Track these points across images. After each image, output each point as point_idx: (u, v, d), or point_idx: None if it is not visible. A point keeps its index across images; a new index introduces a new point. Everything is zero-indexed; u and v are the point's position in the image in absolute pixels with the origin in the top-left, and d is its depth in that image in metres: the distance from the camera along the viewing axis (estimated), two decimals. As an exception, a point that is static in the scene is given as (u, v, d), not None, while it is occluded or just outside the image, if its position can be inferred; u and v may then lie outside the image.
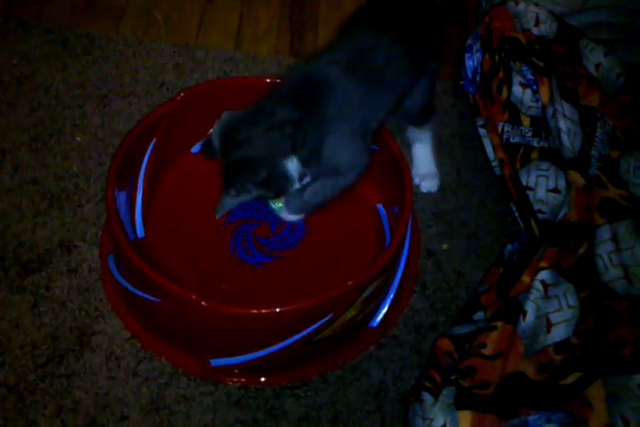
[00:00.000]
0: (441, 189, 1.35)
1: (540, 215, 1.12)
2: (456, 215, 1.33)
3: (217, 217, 1.08)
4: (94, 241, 1.25)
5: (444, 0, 1.70)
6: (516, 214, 1.19)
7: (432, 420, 0.90)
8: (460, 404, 0.89)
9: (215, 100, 1.29)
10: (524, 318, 0.95)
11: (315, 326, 1.04)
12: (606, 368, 0.88)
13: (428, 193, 1.34)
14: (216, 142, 1.03)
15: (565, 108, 1.13)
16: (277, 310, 1.01)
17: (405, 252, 1.18)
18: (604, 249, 1.00)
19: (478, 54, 1.28)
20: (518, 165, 1.18)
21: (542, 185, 1.14)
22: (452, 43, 1.53)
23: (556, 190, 1.13)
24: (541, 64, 1.18)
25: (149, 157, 1.24)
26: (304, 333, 1.04)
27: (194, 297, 1.00)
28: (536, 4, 1.27)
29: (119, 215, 1.12)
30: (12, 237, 1.24)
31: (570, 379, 0.88)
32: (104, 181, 1.31)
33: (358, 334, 1.16)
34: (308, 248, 1.23)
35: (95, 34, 1.54)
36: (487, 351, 0.94)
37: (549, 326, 0.94)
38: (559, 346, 0.92)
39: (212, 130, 1.05)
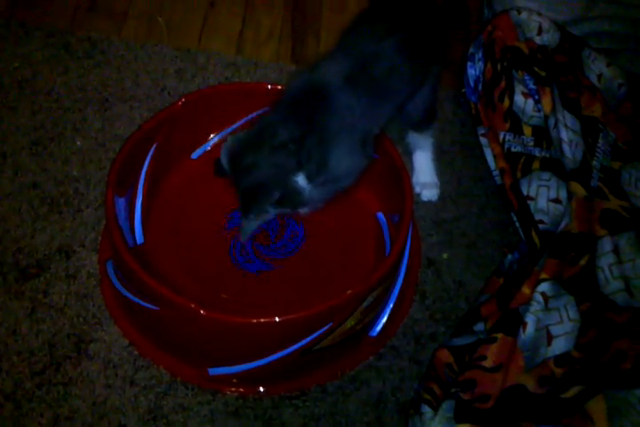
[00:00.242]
0: (441, 197, 1.34)
1: (540, 226, 1.12)
2: (456, 224, 1.32)
3: (243, 241, 1.13)
4: (93, 247, 1.24)
5: (448, 7, 1.70)
6: (517, 224, 1.18)
7: (432, 433, 0.90)
8: (459, 417, 0.88)
9: (216, 106, 1.29)
10: (524, 330, 0.94)
11: (314, 335, 1.03)
12: (607, 382, 0.87)
13: (429, 202, 1.33)
14: (226, 167, 1.04)
15: (567, 118, 1.12)
16: (276, 319, 1.00)
17: (405, 261, 1.18)
18: (605, 261, 0.99)
19: (480, 63, 1.28)
20: (519, 175, 1.18)
21: (543, 195, 1.14)
22: (454, 50, 1.53)
23: (557, 201, 1.13)
24: (543, 74, 1.18)
25: (150, 162, 1.24)
26: (303, 342, 1.04)
27: (193, 306, 1.00)
28: (539, 14, 1.26)
29: (118, 221, 1.12)
30: (10, 242, 1.23)
31: (570, 393, 0.88)
32: (104, 185, 1.30)
33: (357, 344, 1.16)
34: (308, 256, 1.22)
35: (97, 37, 1.53)
36: (487, 364, 0.93)
37: (550, 338, 0.94)
38: (560, 359, 0.92)
39: (221, 148, 1.06)
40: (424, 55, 1.13)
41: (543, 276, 0.98)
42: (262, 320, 1.01)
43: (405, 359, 1.16)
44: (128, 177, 1.19)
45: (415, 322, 1.20)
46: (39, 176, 1.32)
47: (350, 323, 1.06)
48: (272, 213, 1.03)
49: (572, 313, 0.96)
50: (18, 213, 1.26)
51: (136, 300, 1.09)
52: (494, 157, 1.25)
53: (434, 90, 1.22)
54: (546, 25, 1.24)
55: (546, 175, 1.15)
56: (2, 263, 1.21)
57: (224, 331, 1.05)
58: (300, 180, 1.00)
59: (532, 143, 1.19)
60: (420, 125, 1.26)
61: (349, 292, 1.02)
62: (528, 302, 0.96)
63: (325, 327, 1.03)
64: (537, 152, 1.18)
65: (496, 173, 1.25)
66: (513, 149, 1.21)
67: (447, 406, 0.90)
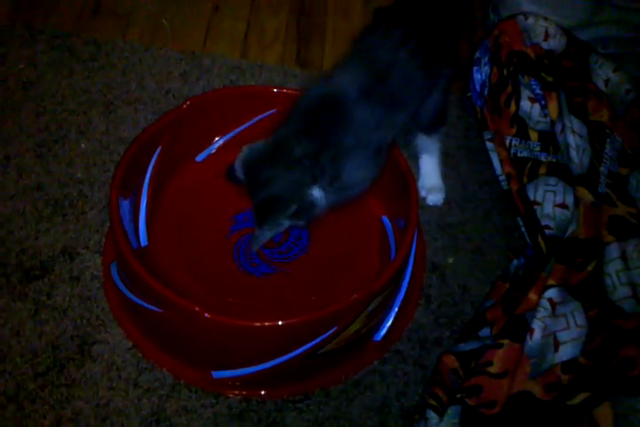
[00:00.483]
0: (446, 201, 1.34)
1: (547, 231, 1.11)
2: (461, 229, 1.32)
3: (254, 250, 1.14)
4: (97, 249, 1.24)
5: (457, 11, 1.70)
6: (523, 229, 1.18)
7: (437, 439, 0.89)
8: (465, 423, 0.88)
9: (221, 109, 1.29)
10: (531, 336, 0.94)
11: (318, 339, 1.03)
12: (614, 389, 0.87)
13: (434, 206, 1.33)
14: (241, 177, 1.05)
15: (574, 123, 1.12)
16: (280, 323, 1.00)
17: (411, 265, 1.17)
18: (613, 267, 0.99)
19: (486, 68, 1.28)
20: (526, 180, 1.18)
21: (550, 200, 1.14)
22: (460, 54, 1.53)
23: (563, 206, 1.12)
24: (550, 79, 1.18)
25: (154, 164, 1.24)
26: (307, 346, 1.03)
27: (197, 309, 0.99)
28: (545, 19, 1.26)
29: (123, 223, 1.11)
30: (14, 244, 1.23)
31: (577, 399, 0.87)
32: (108, 188, 1.30)
33: (362, 349, 1.15)
34: (313, 259, 1.22)
35: (102, 40, 1.53)
36: (493, 370, 0.93)
37: (557, 344, 0.93)
38: (567, 365, 0.91)
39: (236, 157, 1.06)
40: (438, 61, 1.13)
41: (550, 282, 0.97)
42: (266, 324, 1.00)
43: (410, 364, 1.15)
44: (133, 180, 1.19)
45: (420, 326, 1.19)
46: (43, 178, 1.31)
47: (355, 327, 1.06)
48: (286, 224, 1.04)
49: (580, 319, 0.95)
50: (22, 215, 1.26)
51: (140, 302, 1.09)
52: (500, 161, 1.24)
53: (445, 93, 1.22)
54: (552, 30, 1.23)
55: (552, 180, 1.15)
56: (5, 265, 1.20)
57: (228, 334, 1.05)
58: (315, 192, 1.02)
59: (538, 148, 1.19)
60: (430, 128, 1.26)
61: (354, 296, 1.01)
62: (535, 307, 0.96)
63: (330, 332, 1.03)
64: (543, 157, 1.18)
65: (502, 177, 1.25)
66: (519, 154, 1.20)
67: (453, 411, 0.90)
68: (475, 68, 1.30)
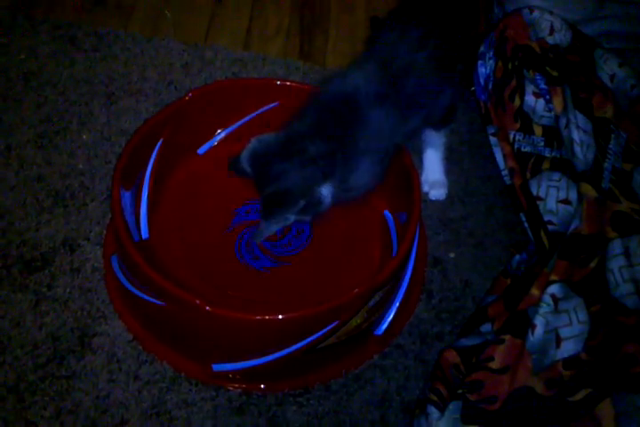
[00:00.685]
0: (449, 196, 1.33)
1: (549, 226, 1.11)
2: (464, 224, 1.32)
3: (257, 242, 1.15)
4: (98, 241, 1.24)
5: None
6: (526, 225, 1.17)
7: (438, 434, 0.89)
8: (466, 419, 0.88)
9: (223, 101, 1.28)
10: (532, 332, 0.93)
11: (319, 333, 1.03)
12: (616, 386, 0.87)
13: (436, 200, 1.33)
14: (247, 170, 1.06)
15: (579, 119, 1.12)
16: (281, 316, 1.00)
17: (412, 260, 1.17)
18: (616, 264, 0.98)
19: (491, 62, 1.27)
20: (529, 175, 1.17)
21: (553, 196, 1.13)
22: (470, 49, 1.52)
23: (566, 201, 1.12)
24: (555, 74, 1.17)
25: (156, 157, 1.23)
26: (308, 340, 1.03)
27: (198, 302, 0.99)
28: (551, 13, 1.25)
29: (124, 215, 1.11)
30: (15, 235, 1.23)
31: (579, 396, 0.87)
32: (109, 179, 1.30)
33: (362, 343, 1.15)
34: (314, 253, 1.22)
35: (103, 31, 1.53)
36: (495, 365, 0.93)
37: (559, 340, 0.93)
38: (568, 362, 0.91)
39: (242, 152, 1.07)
40: (453, 60, 1.13)
41: (553, 277, 0.97)
42: (267, 318, 1.00)
43: (411, 358, 1.15)
44: (134, 172, 1.19)
45: (421, 321, 1.19)
46: (44, 169, 1.31)
47: (356, 321, 1.05)
48: (292, 219, 1.06)
49: (582, 316, 0.95)
50: (23, 206, 1.26)
51: (141, 295, 1.09)
52: (504, 156, 1.24)
53: (456, 89, 1.22)
54: (558, 24, 1.23)
55: (556, 176, 1.14)
56: (6, 256, 1.20)
57: (228, 327, 1.05)
58: (324, 191, 1.03)
59: (542, 143, 1.18)
60: (439, 125, 1.26)
61: (356, 291, 1.01)
62: (537, 303, 0.96)
63: (331, 326, 1.03)
64: (547, 152, 1.18)
65: (505, 172, 1.24)
66: (523, 149, 1.20)
67: (454, 406, 0.89)
68: (479, 62, 1.30)
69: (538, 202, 1.13)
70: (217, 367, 1.09)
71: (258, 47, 1.58)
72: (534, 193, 1.15)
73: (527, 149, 1.19)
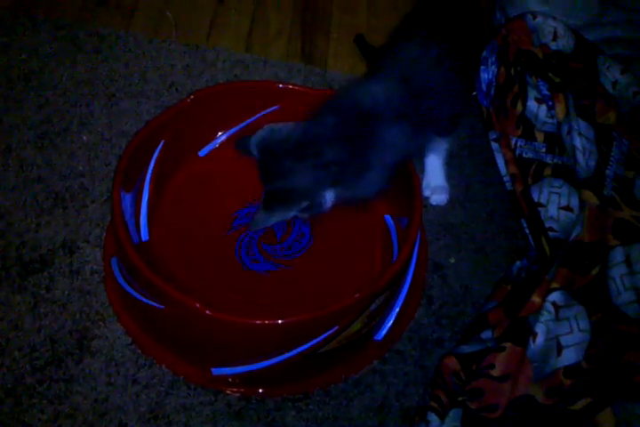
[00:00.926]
0: (450, 201, 1.33)
1: (550, 233, 1.11)
2: (464, 229, 1.31)
3: (251, 230, 1.15)
4: (97, 243, 1.23)
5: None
6: (527, 231, 1.17)
7: (438, 442, 0.89)
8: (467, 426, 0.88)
9: (225, 104, 1.28)
10: (534, 340, 0.93)
11: (319, 338, 1.02)
12: (617, 395, 0.87)
13: (437, 205, 1.32)
14: (254, 154, 1.07)
15: (581, 125, 1.11)
16: (281, 321, 0.99)
17: (413, 265, 1.17)
18: (617, 272, 0.98)
19: (493, 67, 1.27)
20: (530, 181, 1.17)
21: (554, 202, 1.13)
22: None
23: (567, 208, 1.12)
24: (558, 80, 1.17)
25: (157, 158, 1.23)
26: (308, 345, 1.03)
27: (198, 305, 0.99)
28: (554, 18, 1.25)
29: (124, 217, 1.10)
30: (14, 236, 1.22)
31: (579, 405, 0.87)
32: (109, 181, 1.30)
33: (362, 348, 1.15)
34: (314, 257, 1.21)
35: (105, 32, 1.52)
36: (495, 373, 0.93)
37: (560, 349, 0.93)
38: (569, 370, 0.91)
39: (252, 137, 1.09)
40: (467, 74, 1.13)
41: (554, 285, 0.97)
42: (266, 322, 1.00)
43: (410, 364, 1.15)
44: (135, 173, 1.18)
45: (421, 327, 1.19)
46: (44, 170, 1.31)
47: (356, 327, 1.05)
48: (291, 215, 1.07)
49: (583, 324, 0.95)
50: (22, 207, 1.25)
51: (140, 297, 1.08)
52: (505, 162, 1.23)
53: (464, 95, 1.23)
54: (561, 30, 1.22)
55: (557, 182, 1.14)
56: (5, 257, 1.19)
57: (228, 331, 1.04)
58: (328, 195, 1.05)
59: (544, 150, 1.18)
60: (443, 131, 1.26)
61: (357, 295, 1.01)
62: (538, 311, 0.95)
63: (331, 331, 1.02)
64: (549, 159, 1.18)
65: (507, 178, 1.24)
66: (525, 155, 1.20)
67: (454, 414, 0.89)
68: (481, 68, 1.29)
69: (539, 208, 1.13)
70: (216, 371, 1.09)
71: (259, 49, 1.58)
72: (535, 199, 1.15)
73: (529, 156, 1.19)
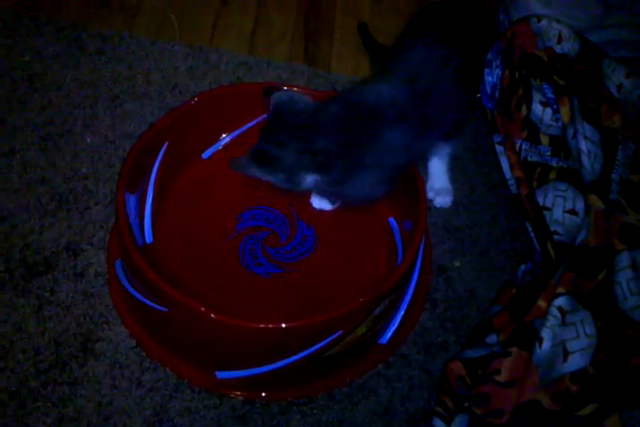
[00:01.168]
0: (454, 204, 1.33)
1: (555, 236, 1.10)
2: (468, 232, 1.31)
3: (231, 168, 1.11)
4: (101, 245, 1.23)
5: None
6: (532, 234, 1.17)
7: (444, 447, 0.89)
8: (473, 432, 0.88)
9: (229, 106, 1.28)
10: (540, 345, 0.93)
11: (324, 342, 1.02)
12: (624, 401, 0.87)
13: (441, 208, 1.32)
14: (269, 107, 1.08)
15: (586, 129, 1.11)
16: (286, 325, 0.99)
17: (417, 268, 1.16)
18: (623, 276, 0.98)
19: (498, 70, 1.26)
20: (535, 185, 1.17)
21: (559, 206, 1.13)
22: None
23: (573, 212, 1.11)
24: (562, 83, 1.17)
25: (160, 161, 1.22)
26: (313, 349, 1.03)
27: (203, 309, 0.99)
28: (559, 21, 1.25)
29: (129, 220, 1.10)
30: (18, 238, 1.22)
31: (586, 410, 0.87)
32: (113, 183, 1.29)
33: (367, 352, 1.15)
34: (318, 260, 1.21)
35: (108, 33, 1.52)
36: (501, 378, 0.92)
37: (566, 354, 0.93)
38: (575, 376, 0.91)
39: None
40: (472, 77, 1.13)
41: (560, 290, 0.97)
42: (271, 326, 0.99)
43: (415, 368, 1.14)
44: (139, 176, 1.18)
45: (425, 330, 1.19)
46: (48, 172, 1.30)
47: (361, 330, 1.05)
48: (268, 179, 1.07)
49: (589, 329, 0.95)
50: (26, 209, 1.25)
51: (144, 300, 1.08)
52: (510, 166, 1.23)
53: (469, 99, 1.22)
54: (566, 33, 1.22)
55: (562, 186, 1.14)
56: (9, 259, 1.19)
57: (233, 335, 1.04)
58: (309, 178, 1.05)
59: (549, 153, 1.18)
60: (449, 135, 1.25)
61: (362, 299, 1.00)
62: (544, 315, 0.95)
63: (335, 335, 1.02)
64: (554, 162, 1.17)
65: (511, 181, 1.24)
66: (529, 159, 1.19)
67: (460, 420, 0.89)
68: (486, 70, 1.29)
69: (544, 212, 1.13)
70: (220, 375, 1.09)
71: (263, 51, 1.57)
72: (540, 203, 1.15)
73: (534, 159, 1.19)
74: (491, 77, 1.28)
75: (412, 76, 1.07)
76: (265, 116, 1.27)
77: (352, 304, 1.00)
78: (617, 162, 1.10)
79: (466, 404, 0.91)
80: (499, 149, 1.27)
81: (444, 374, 1.02)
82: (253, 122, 1.30)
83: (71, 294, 1.17)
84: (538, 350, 0.93)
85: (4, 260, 1.19)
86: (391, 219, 1.26)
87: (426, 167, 1.32)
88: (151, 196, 1.21)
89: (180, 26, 1.58)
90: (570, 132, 1.13)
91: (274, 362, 1.05)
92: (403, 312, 1.16)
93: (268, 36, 1.61)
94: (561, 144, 1.17)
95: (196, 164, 1.30)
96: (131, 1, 1.61)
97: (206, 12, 1.63)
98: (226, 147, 1.31)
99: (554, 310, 0.95)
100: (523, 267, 1.16)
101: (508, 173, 1.25)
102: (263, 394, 1.10)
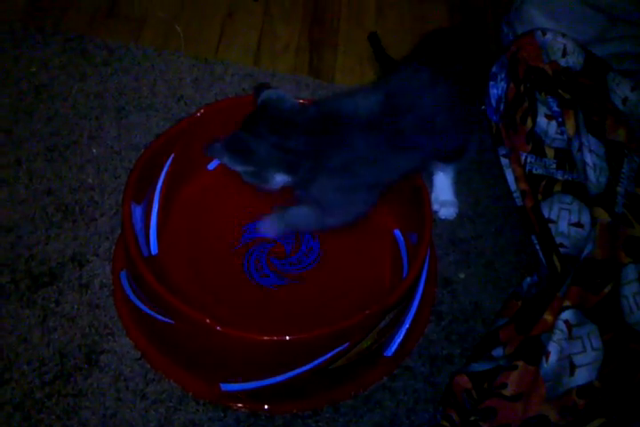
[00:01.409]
0: (458, 216, 1.33)
1: (561, 249, 1.10)
2: (474, 244, 1.31)
3: (205, 153, 1.11)
4: (107, 256, 1.23)
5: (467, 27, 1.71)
6: (537, 247, 1.17)
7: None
8: (480, 446, 0.87)
9: (234, 118, 1.27)
10: (547, 359, 0.93)
11: (329, 354, 1.02)
12: (631, 415, 0.86)
13: (446, 220, 1.32)
14: (256, 101, 1.10)
15: (591, 142, 1.11)
16: (292, 337, 0.99)
17: (423, 280, 1.16)
18: (629, 290, 0.98)
19: (503, 83, 1.27)
20: (540, 197, 1.17)
21: (564, 218, 1.13)
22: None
23: (578, 225, 1.12)
24: (567, 96, 1.17)
25: (166, 172, 1.23)
26: (318, 361, 1.02)
27: (208, 321, 0.98)
28: (564, 35, 1.25)
29: (135, 230, 1.10)
30: (23, 249, 1.22)
31: (593, 425, 0.86)
32: (119, 194, 1.30)
33: (372, 364, 1.14)
34: (323, 272, 1.21)
35: (114, 44, 1.53)
36: (508, 392, 0.92)
37: (573, 368, 0.92)
38: (582, 390, 0.91)
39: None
40: (466, 104, 1.14)
41: (566, 303, 0.96)
42: (275, 338, 0.99)
43: (420, 381, 1.14)
44: (145, 187, 1.18)
45: (431, 343, 1.19)
46: (54, 183, 1.31)
47: (366, 343, 1.05)
48: (237, 169, 1.09)
49: (596, 342, 0.94)
50: (31, 220, 1.25)
51: (149, 312, 1.08)
52: (515, 178, 1.23)
53: (472, 123, 1.22)
54: (571, 47, 1.23)
55: (567, 198, 1.14)
56: (14, 270, 1.19)
57: (237, 347, 1.04)
58: (278, 177, 1.07)
59: (554, 166, 1.18)
60: (450, 159, 1.25)
61: (367, 312, 1.00)
62: (551, 329, 0.95)
63: (341, 347, 1.02)
64: (559, 175, 1.17)
65: (517, 194, 1.24)
66: (535, 171, 1.19)
67: (467, 433, 0.89)
68: (490, 83, 1.29)
69: (549, 224, 1.13)
70: (225, 387, 1.08)
71: (268, 63, 1.58)
72: (546, 215, 1.15)
73: (539, 172, 1.19)
74: (496, 90, 1.28)
75: (393, 91, 1.07)
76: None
77: (357, 317, 1.00)
78: (622, 175, 1.10)
79: (472, 418, 0.91)
80: (504, 161, 1.27)
81: (449, 387, 1.02)
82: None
83: (76, 306, 1.17)
84: (545, 364, 0.92)
85: (10, 270, 1.19)
86: (396, 231, 1.26)
87: (431, 180, 1.32)
88: (157, 207, 1.21)
89: (186, 37, 1.59)
90: (575, 145, 1.13)
91: (279, 374, 1.04)
92: (408, 325, 1.15)
93: (272, 48, 1.62)
94: (566, 157, 1.17)
95: (202, 175, 1.30)
96: (137, 12, 1.62)
97: (212, 23, 1.64)
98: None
99: (560, 324, 0.95)
100: (528, 279, 1.16)
101: (513, 186, 1.25)
102: (268, 406, 1.10)
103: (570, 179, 1.16)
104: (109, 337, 1.14)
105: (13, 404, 1.06)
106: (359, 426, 1.09)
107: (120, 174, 1.33)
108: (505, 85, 1.27)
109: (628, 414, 0.87)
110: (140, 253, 1.07)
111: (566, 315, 0.96)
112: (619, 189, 1.09)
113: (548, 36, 1.24)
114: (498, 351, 1.02)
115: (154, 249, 1.19)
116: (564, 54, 1.23)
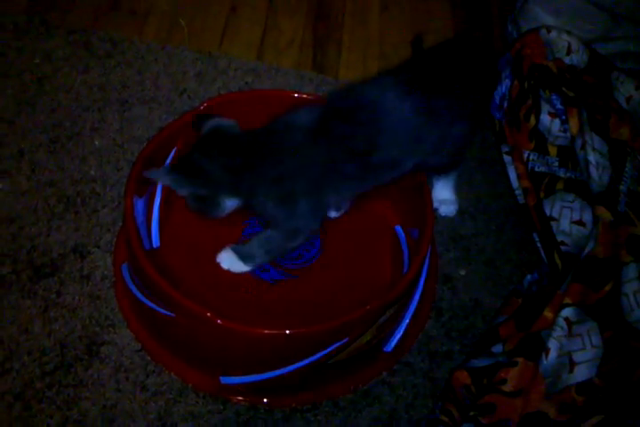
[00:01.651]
0: (459, 213, 1.33)
1: (562, 247, 1.11)
2: (474, 241, 1.32)
3: (146, 175, 1.11)
4: (108, 248, 1.24)
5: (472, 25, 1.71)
6: (539, 245, 1.17)
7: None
8: (478, 441, 0.88)
9: (237, 112, 1.28)
10: (546, 355, 0.93)
11: (329, 349, 1.02)
12: (629, 412, 0.87)
13: (447, 217, 1.32)
14: (200, 130, 1.12)
15: (595, 140, 1.12)
16: (293, 331, 0.99)
17: (423, 277, 1.17)
18: (630, 288, 0.98)
19: (507, 80, 1.27)
20: (542, 195, 1.17)
21: (566, 216, 1.13)
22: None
23: (580, 223, 1.12)
24: (571, 94, 1.17)
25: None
26: (318, 355, 1.03)
27: (209, 314, 0.99)
28: (568, 33, 1.25)
29: (137, 223, 1.11)
30: (25, 240, 1.22)
31: (592, 422, 0.87)
32: (121, 187, 1.30)
33: (372, 359, 1.15)
34: (324, 267, 1.21)
35: (118, 37, 1.53)
36: (507, 388, 0.92)
37: (572, 365, 0.93)
38: (581, 387, 0.91)
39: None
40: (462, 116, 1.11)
41: (567, 300, 0.97)
42: (275, 332, 0.99)
43: (419, 376, 1.15)
44: (147, 180, 1.18)
45: (430, 339, 1.19)
46: (56, 175, 1.31)
47: (366, 338, 1.05)
48: (181, 191, 1.10)
49: (595, 340, 0.95)
50: (34, 212, 1.25)
51: (150, 304, 1.08)
52: (518, 176, 1.23)
53: (468, 130, 1.16)
54: (575, 45, 1.23)
55: (570, 197, 1.14)
56: (16, 261, 1.19)
57: (237, 340, 1.04)
58: (229, 202, 1.08)
59: (556, 163, 1.18)
60: (442, 171, 1.23)
61: (368, 307, 1.00)
62: (550, 326, 0.95)
63: (341, 342, 1.02)
64: (562, 173, 1.18)
65: (519, 191, 1.24)
66: (537, 169, 1.20)
67: (466, 429, 0.89)
68: (494, 80, 1.30)
69: (551, 222, 1.13)
70: (225, 380, 1.09)
71: (271, 57, 1.58)
72: (548, 213, 1.15)
73: (541, 169, 1.19)
74: (499, 87, 1.29)
75: (349, 104, 1.05)
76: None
77: (357, 312, 1.00)
78: (625, 174, 1.10)
79: (471, 413, 0.91)
80: (506, 158, 1.27)
81: (449, 382, 1.02)
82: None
83: (77, 297, 1.17)
84: (544, 361, 0.93)
85: (12, 261, 1.19)
86: (397, 227, 1.26)
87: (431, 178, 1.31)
88: (159, 200, 1.21)
89: (190, 31, 1.59)
90: (578, 143, 1.13)
91: (278, 368, 1.05)
92: (408, 320, 1.16)
93: (276, 43, 1.62)
94: (569, 155, 1.17)
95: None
96: (141, 6, 1.62)
97: (216, 17, 1.64)
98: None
99: (560, 321, 0.95)
100: (529, 277, 1.16)
101: (515, 183, 1.25)
102: (267, 400, 1.10)
103: (572, 177, 1.16)
104: (110, 329, 1.15)
105: (14, 394, 1.07)
106: (358, 421, 1.10)
107: (122, 167, 1.34)
108: (509, 83, 1.27)
109: (626, 411, 0.88)
110: (141, 247, 1.07)
111: (566, 312, 0.96)
112: (621, 187, 1.09)
113: (553, 33, 1.24)
114: (497, 348, 1.02)
115: (155, 242, 1.20)
116: (569, 52, 1.23)
